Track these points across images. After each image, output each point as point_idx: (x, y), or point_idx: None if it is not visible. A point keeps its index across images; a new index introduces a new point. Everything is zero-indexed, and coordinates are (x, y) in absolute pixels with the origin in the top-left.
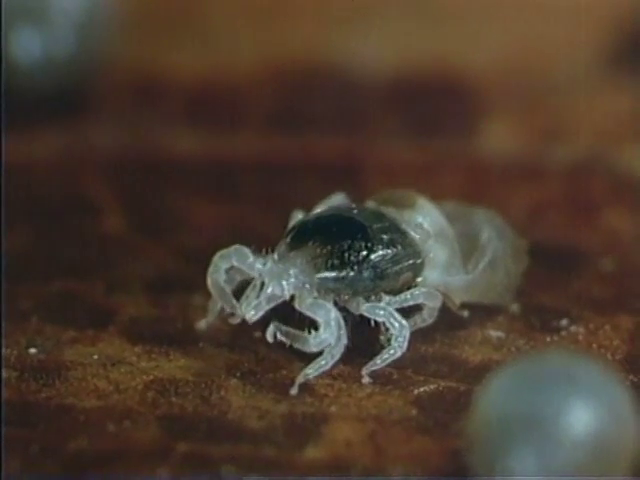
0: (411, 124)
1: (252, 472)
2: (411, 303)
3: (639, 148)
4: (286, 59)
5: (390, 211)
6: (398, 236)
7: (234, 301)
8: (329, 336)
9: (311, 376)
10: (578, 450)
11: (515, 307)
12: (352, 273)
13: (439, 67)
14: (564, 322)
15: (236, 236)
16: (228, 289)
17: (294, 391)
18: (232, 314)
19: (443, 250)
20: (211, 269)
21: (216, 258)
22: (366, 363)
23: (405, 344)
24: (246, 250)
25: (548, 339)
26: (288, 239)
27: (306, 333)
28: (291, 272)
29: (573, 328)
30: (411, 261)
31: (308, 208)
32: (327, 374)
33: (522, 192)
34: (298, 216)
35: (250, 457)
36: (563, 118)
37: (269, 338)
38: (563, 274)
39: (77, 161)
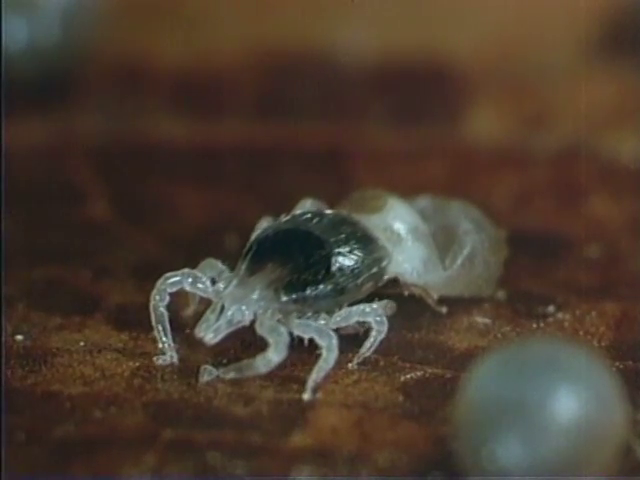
0: (396, 111)
1: (237, 458)
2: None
3: (624, 134)
4: (271, 45)
5: (358, 217)
6: (359, 246)
7: (170, 339)
8: (276, 356)
9: (320, 379)
10: (564, 436)
11: (501, 294)
12: (313, 292)
13: (424, 54)
14: (550, 309)
15: (221, 222)
16: (167, 323)
17: (307, 396)
18: (162, 352)
19: (418, 248)
20: (155, 292)
21: (160, 282)
22: (352, 350)
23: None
24: (197, 273)
25: (534, 325)
26: (247, 261)
27: (248, 360)
28: (252, 297)
29: (559, 315)
30: (374, 270)
31: (292, 194)
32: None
33: (508, 179)
34: (264, 224)
35: (236, 443)
36: (548, 105)
37: (203, 379)
38: (549, 261)
39: (63, 148)
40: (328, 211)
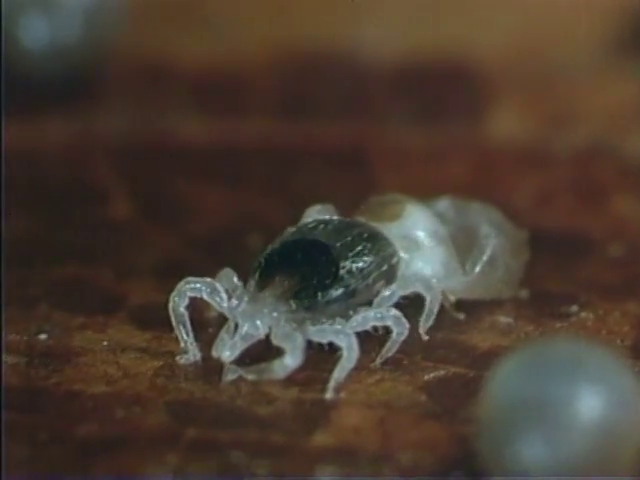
0: (418, 110)
1: (260, 458)
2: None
3: None
4: (293, 45)
5: (375, 225)
6: (366, 247)
7: (191, 337)
8: (292, 361)
9: (342, 379)
10: (587, 436)
11: (524, 293)
12: (323, 298)
13: (446, 53)
14: (573, 308)
15: (243, 221)
16: (188, 322)
17: (329, 396)
18: (184, 351)
19: (438, 254)
20: (174, 294)
21: (182, 284)
22: (375, 349)
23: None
24: (218, 285)
25: (557, 325)
26: (256, 276)
27: (266, 364)
28: (264, 311)
29: (582, 314)
30: (384, 268)
31: (314, 194)
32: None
33: (529, 178)
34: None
35: (258, 443)
36: (570, 104)
37: (227, 378)
38: (571, 260)
39: (85, 147)
40: (334, 217)
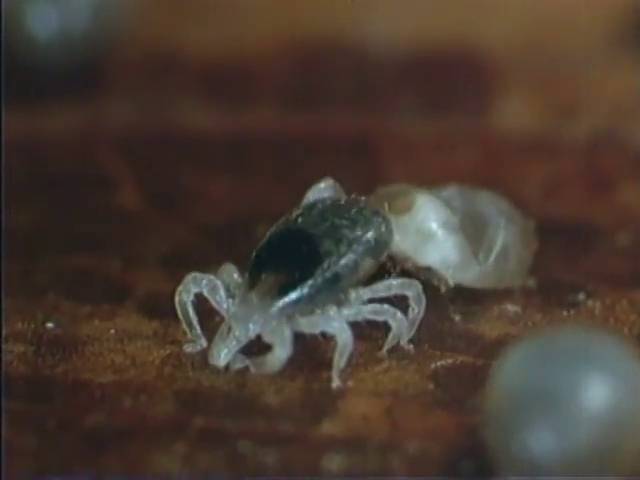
0: (425, 100)
1: (268, 447)
2: (384, 295)
3: None
4: (302, 35)
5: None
6: (347, 230)
7: (197, 328)
8: (283, 353)
9: (343, 365)
10: (594, 425)
11: (532, 282)
12: (306, 289)
13: (454, 43)
14: (581, 297)
15: (251, 211)
16: (194, 314)
17: (335, 384)
18: (192, 340)
19: (451, 244)
20: (181, 288)
21: (188, 279)
22: (382, 338)
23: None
24: (219, 284)
25: (565, 314)
26: (246, 276)
27: (259, 358)
28: (255, 314)
29: (590, 303)
30: (367, 247)
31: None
32: None
33: (537, 168)
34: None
35: (266, 432)
36: (578, 93)
37: (234, 367)
38: (579, 249)
39: (93, 136)
40: (325, 198)
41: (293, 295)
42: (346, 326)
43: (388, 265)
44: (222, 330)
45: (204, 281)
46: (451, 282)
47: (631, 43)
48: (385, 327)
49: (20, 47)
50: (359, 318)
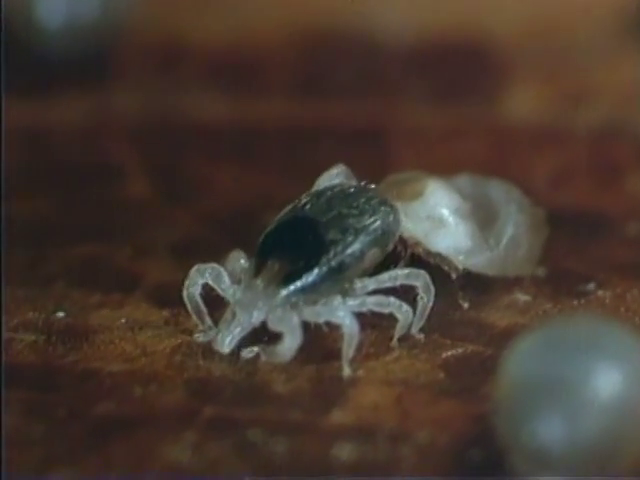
0: (434, 89)
1: (278, 435)
2: (390, 285)
3: None
4: (309, 23)
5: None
6: (353, 219)
7: (208, 320)
8: (294, 342)
9: (352, 353)
10: (604, 414)
11: (541, 271)
12: (310, 277)
13: (462, 32)
14: (591, 286)
15: (260, 200)
16: (203, 306)
17: (346, 372)
18: (202, 331)
19: (462, 231)
20: (188, 282)
21: (193, 272)
22: (392, 327)
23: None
24: (222, 271)
25: (575, 303)
26: (252, 262)
27: (270, 347)
28: (259, 300)
29: (600, 292)
30: (373, 236)
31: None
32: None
33: (546, 157)
34: None
35: (276, 421)
36: (588, 82)
37: (245, 356)
38: (589, 238)
39: (102, 126)
40: (335, 185)
41: (298, 283)
42: (351, 315)
43: (399, 249)
44: (227, 316)
45: (208, 270)
46: (461, 267)
47: (639, 32)
48: (394, 317)
49: (28, 36)
50: (364, 309)
